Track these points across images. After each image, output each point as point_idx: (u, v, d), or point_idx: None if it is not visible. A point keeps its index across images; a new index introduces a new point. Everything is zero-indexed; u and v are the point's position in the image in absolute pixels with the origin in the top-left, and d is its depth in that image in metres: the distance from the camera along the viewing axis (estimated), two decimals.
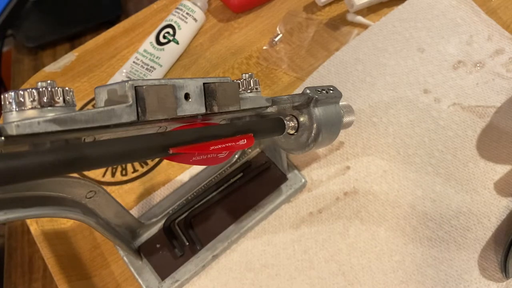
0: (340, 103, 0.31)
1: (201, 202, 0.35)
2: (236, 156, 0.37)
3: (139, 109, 0.19)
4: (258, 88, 0.27)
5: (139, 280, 0.33)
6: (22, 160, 0.14)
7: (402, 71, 0.41)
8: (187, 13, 0.46)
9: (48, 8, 0.73)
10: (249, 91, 0.26)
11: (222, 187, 0.36)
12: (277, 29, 0.46)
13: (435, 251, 0.33)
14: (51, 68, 0.47)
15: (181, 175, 0.39)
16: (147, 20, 0.49)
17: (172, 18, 0.46)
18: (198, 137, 0.21)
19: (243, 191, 0.36)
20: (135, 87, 0.19)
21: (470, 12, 0.43)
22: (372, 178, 0.37)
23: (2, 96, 0.17)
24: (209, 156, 0.23)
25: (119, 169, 0.40)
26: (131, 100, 0.19)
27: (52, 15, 0.73)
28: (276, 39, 0.45)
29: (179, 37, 0.45)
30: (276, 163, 0.37)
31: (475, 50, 0.41)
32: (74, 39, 0.72)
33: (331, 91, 0.29)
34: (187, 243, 0.34)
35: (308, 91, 0.27)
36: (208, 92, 0.23)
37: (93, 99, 0.45)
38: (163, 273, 0.33)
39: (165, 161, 0.40)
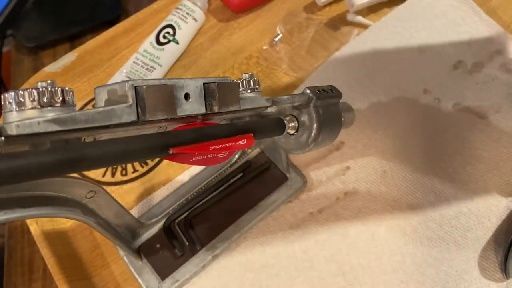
0: (340, 103, 0.31)
1: (201, 202, 0.35)
2: (236, 156, 0.37)
3: (139, 109, 0.19)
4: (258, 88, 0.27)
5: (139, 280, 0.33)
6: (22, 160, 0.14)
7: (402, 71, 0.41)
8: (187, 13, 0.46)
9: (48, 8, 0.73)
10: (249, 91, 0.26)
11: (222, 187, 0.36)
12: (277, 29, 0.46)
13: (435, 251, 0.33)
14: (51, 68, 0.47)
15: (181, 175, 0.39)
16: (147, 20, 0.49)
17: (172, 18, 0.45)
18: (198, 137, 0.21)
19: (243, 191, 0.36)
20: (135, 87, 0.19)
21: (470, 12, 0.43)
22: (372, 179, 0.36)
23: (2, 96, 0.17)
24: (209, 156, 0.23)
25: (119, 169, 0.40)
26: (131, 100, 0.19)
27: (52, 15, 0.73)
28: (276, 39, 0.46)
29: (179, 37, 0.45)
30: (276, 163, 0.37)
31: (475, 50, 0.41)
32: (74, 39, 0.72)
33: (331, 91, 0.29)
34: (187, 243, 0.34)
35: (308, 91, 0.27)
36: (208, 92, 0.23)
37: (93, 99, 0.45)
38: (163, 273, 0.33)
39: (165, 161, 0.40)
